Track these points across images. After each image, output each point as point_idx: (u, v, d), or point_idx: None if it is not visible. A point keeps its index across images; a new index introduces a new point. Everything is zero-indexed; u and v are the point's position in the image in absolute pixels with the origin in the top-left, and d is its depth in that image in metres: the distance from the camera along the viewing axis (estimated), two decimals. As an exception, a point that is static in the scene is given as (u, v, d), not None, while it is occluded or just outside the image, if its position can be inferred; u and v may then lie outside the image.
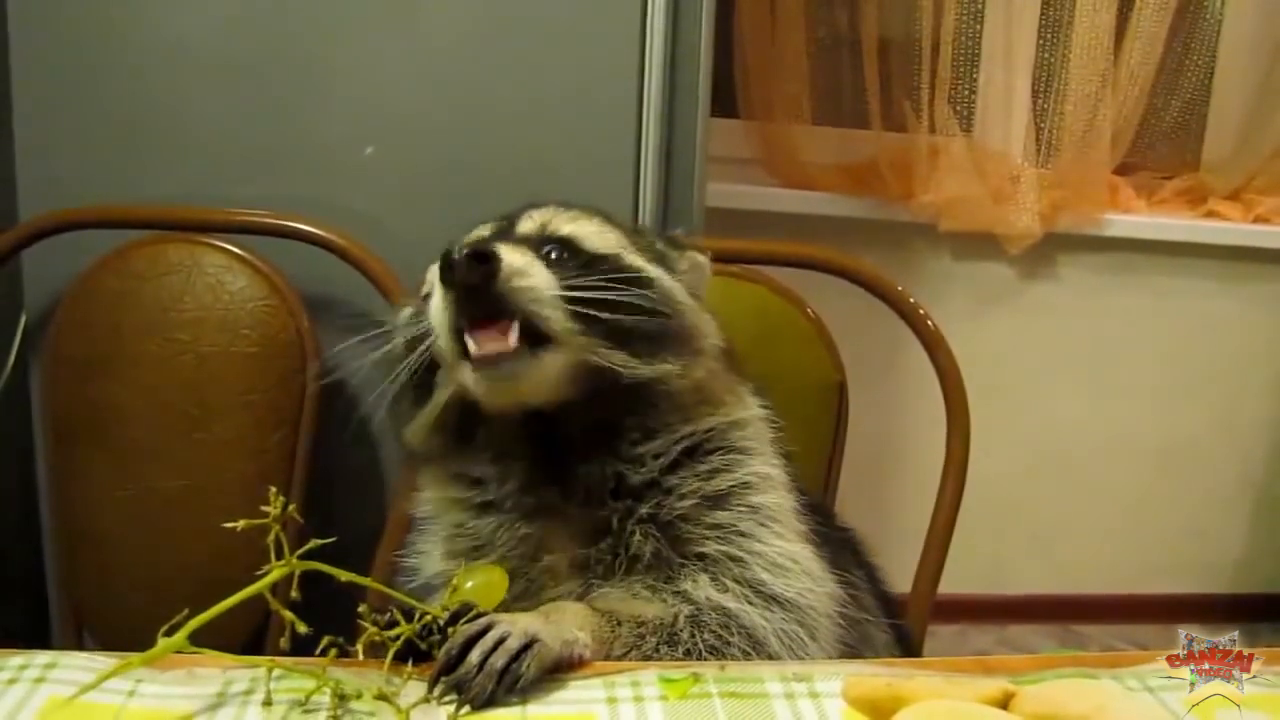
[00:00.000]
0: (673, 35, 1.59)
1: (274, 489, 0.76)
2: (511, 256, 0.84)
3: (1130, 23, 2.60)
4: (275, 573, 0.74)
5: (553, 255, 0.90)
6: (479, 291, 0.82)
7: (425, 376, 0.89)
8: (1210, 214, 2.81)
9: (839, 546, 1.02)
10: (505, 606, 0.85)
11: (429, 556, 0.96)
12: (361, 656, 0.75)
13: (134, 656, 0.73)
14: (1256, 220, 2.79)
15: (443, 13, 1.59)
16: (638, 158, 1.62)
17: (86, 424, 1.54)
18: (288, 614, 0.75)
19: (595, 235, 0.94)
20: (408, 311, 0.98)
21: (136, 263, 1.54)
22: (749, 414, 0.97)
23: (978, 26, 2.63)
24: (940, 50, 2.57)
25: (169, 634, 0.72)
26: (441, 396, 0.89)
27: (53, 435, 1.58)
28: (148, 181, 1.59)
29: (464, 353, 0.84)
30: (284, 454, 1.53)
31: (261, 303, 1.53)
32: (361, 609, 0.76)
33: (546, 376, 0.85)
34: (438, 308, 0.85)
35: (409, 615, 0.78)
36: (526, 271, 0.84)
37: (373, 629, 0.76)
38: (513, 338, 0.83)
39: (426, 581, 0.95)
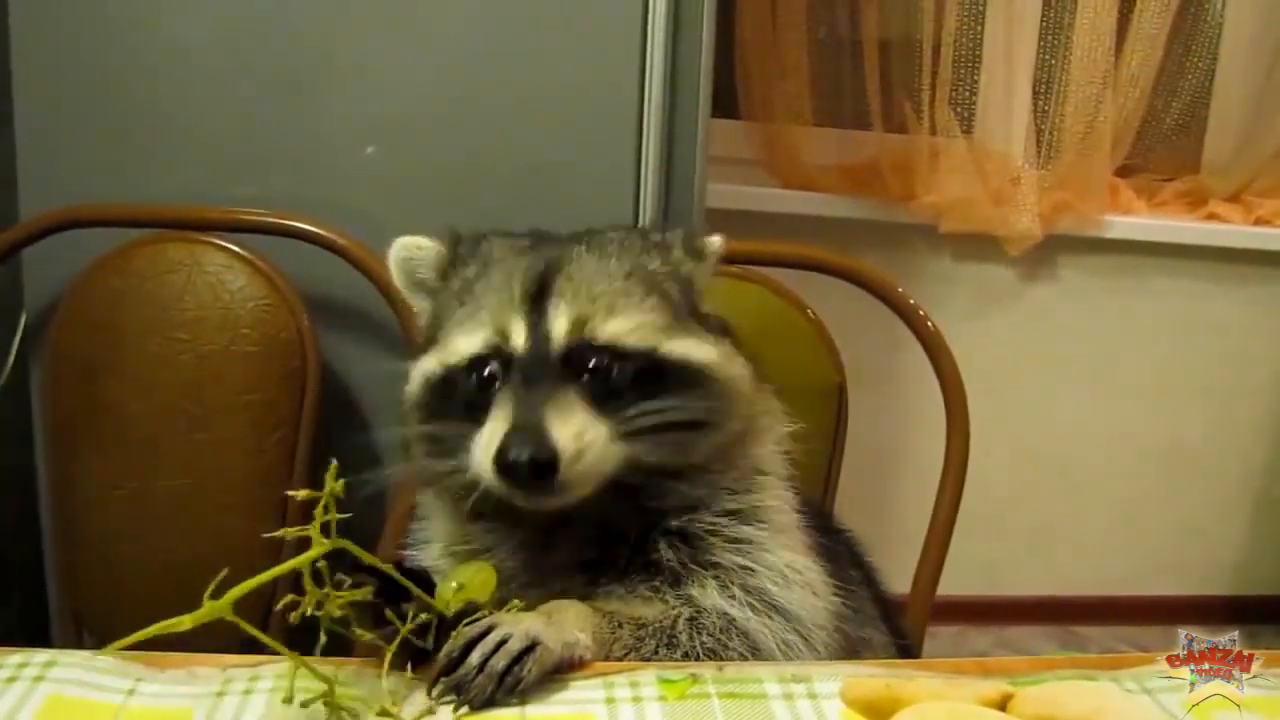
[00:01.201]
0: (674, 36, 1.59)
1: (334, 462, 0.73)
2: (566, 436, 0.82)
3: (1131, 24, 2.60)
4: (316, 549, 0.72)
5: (596, 369, 0.87)
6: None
7: (450, 445, 0.89)
8: (1210, 216, 2.81)
9: (840, 554, 1.03)
10: (507, 597, 0.85)
11: (429, 548, 0.97)
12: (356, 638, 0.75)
13: (183, 618, 0.69)
14: (1257, 222, 2.80)
15: (444, 13, 1.59)
16: (638, 158, 1.62)
17: (86, 422, 1.54)
18: (315, 590, 0.72)
19: (635, 329, 0.89)
20: (428, 368, 0.95)
21: (137, 262, 1.54)
22: (776, 432, 0.98)
23: (979, 28, 2.63)
24: (941, 51, 2.57)
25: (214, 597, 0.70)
26: (468, 480, 0.88)
27: (52, 433, 1.58)
28: (148, 180, 1.59)
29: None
30: (283, 453, 1.53)
31: (261, 302, 1.53)
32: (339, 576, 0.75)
33: (588, 492, 0.85)
34: (486, 472, 0.83)
35: (402, 616, 0.78)
36: (583, 451, 0.83)
37: (365, 633, 0.75)
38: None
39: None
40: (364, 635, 0.75)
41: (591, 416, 0.85)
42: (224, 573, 0.70)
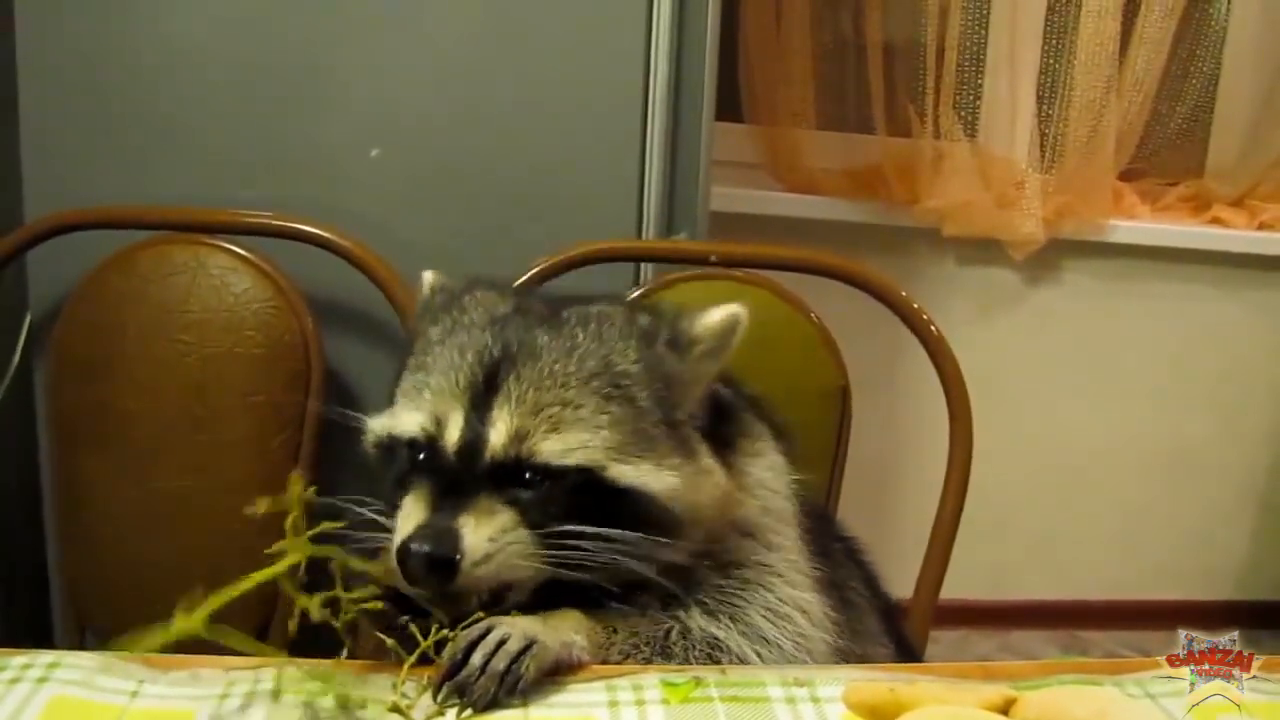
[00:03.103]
0: (678, 40, 1.59)
1: (296, 473, 0.74)
2: (477, 538, 0.79)
3: (1135, 29, 2.59)
4: (292, 555, 0.73)
5: (528, 485, 0.82)
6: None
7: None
8: (1214, 221, 2.81)
9: (842, 581, 1.01)
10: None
11: None
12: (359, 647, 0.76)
13: (153, 636, 0.71)
14: (1260, 227, 2.79)
15: (449, 16, 1.59)
16: (642, 162, 1.62)
17: (90, 425, 1.54)
18: (301, 597, 0.73)
19: (579, 449, 0.83)
20: (377, 429, 0.92)
21: (141, 264, 1.54)
22: (773, 489, 0.94)
23: (983, 31, 2.63)
24: (945, 55, 2.57)
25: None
26: None
27: (56, 436, 1.58)
28: (153, 183, 1.59)
29: None
30: (287, 455, 1.53)
31: (266, 304, 1.53)
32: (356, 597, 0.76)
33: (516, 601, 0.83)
34: (392, 561, 0.80)
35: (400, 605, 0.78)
36: (491, 555, 0.79)
37: (377, 636, 0.76)
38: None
39: None
40: (370, 641, 0.76)
41: (512, 523, 0.81)
42: (198, 591, 0.70)
